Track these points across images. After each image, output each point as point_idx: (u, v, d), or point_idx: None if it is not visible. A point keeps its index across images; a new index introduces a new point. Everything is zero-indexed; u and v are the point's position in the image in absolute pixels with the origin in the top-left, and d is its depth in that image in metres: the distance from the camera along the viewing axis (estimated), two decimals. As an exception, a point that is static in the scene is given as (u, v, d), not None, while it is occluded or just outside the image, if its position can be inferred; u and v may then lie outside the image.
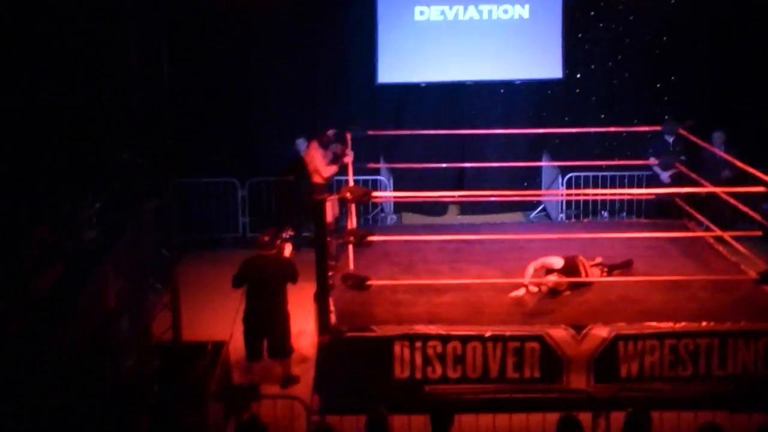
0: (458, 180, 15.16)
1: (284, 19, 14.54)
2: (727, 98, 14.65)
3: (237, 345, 10.32)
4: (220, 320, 11.01)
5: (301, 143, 13.46)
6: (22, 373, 7.52)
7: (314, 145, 12.51)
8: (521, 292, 9.71)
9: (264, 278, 9.77)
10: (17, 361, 7.72)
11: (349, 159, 11.78)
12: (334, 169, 12.44)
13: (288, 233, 10.33)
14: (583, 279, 9.72)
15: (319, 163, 12.30)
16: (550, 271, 9.72)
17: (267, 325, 9.77)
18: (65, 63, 13.31)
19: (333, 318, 9.25)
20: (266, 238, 9.90)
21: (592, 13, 14.85)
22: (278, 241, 9.99)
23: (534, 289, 9.74)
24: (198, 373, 8.24)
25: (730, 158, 11.95)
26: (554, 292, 9.62)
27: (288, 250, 10.13)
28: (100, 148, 12.72)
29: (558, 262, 9.72)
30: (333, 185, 12.54)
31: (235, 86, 14.63)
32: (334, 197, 10.21)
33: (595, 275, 9.87)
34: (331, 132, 12.46)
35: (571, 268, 9.73)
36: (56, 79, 13.28)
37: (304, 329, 10.48)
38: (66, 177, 12.04)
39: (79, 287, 9.05)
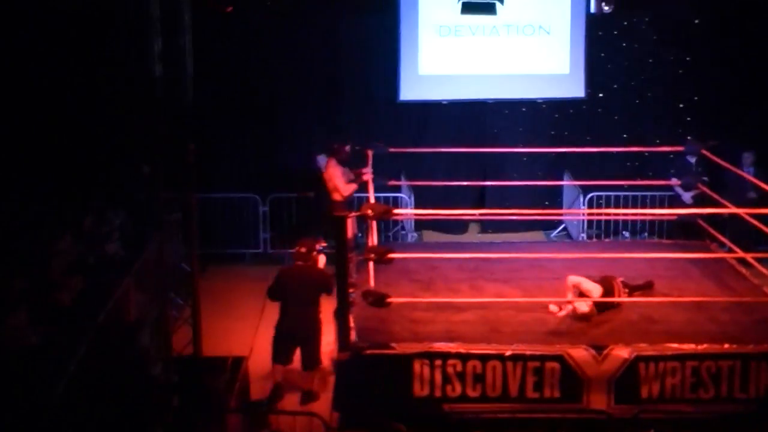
0: (479, 198, 15.15)
1: (307, 36, 14.59)
2: (752, 119, 14.57)
3: (257, 360, 10.35)
4: (240, 335, 11.05)
5: (321, 159, 13.47)
6: (43, 384, 7.55)
7: (332, 162, 12.35)
8: (554, 309, 9.67)
9: (300, 288, 9.84)
10: (38, 373, 7.76)
11: (368, 177, 11.77)
12: (353, 187, 12.31)
13: (321, 244, 10.37)
14: (609, 299, 9.66)
15: (339, 181, 12.19)
16: (581, 294, 9.66)
17: (301, 335, 9.82)
18: (89, 75, 13.44)
19: (353, 335, 9.24)
20: (303, 249, 9.99)
21: (615, 32, 14.85)
22: (313, 253, 10.07)
23: (563, 311, 9.68)
24: (217, 387, 8.24)
25: (754, 180, 11.90)
26: (585, 317, 9.56)
27: (322, 261, 10.19)
28: (123, 162, 12.82)
29: (596, 290, 9.62)
30: (354, 202, 12.53)
31: (257, 102, 14.68)
32: (354, 214, 10.23)
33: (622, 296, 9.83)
34: (347, 147, 12.37)
35: (607, 291, 9.67)
36: (79, 92, 13.41)
37: (323, 345, 10.48)
38: (89, 190, 12.13)
39: (101, 300, 9.09)
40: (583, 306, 9.54)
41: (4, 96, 13.03)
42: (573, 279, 9.76)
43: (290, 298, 9.88)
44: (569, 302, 9.61)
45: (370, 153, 12.19)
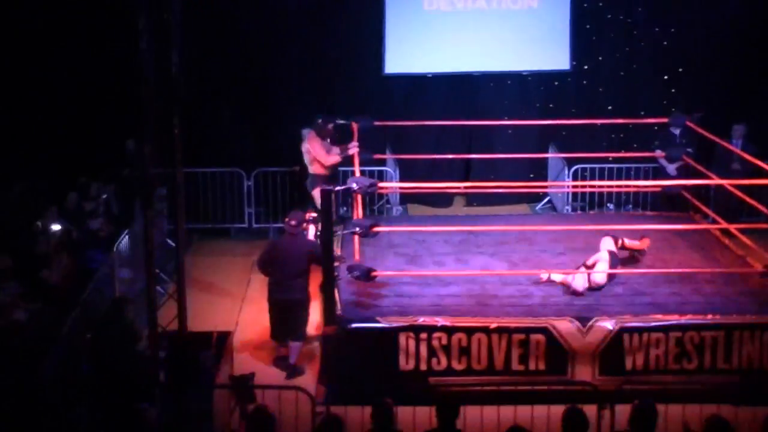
0: (465, 171, 15.14)
1: (291, 9, 14.51)
2: (741, 91, 14.58)
3: (242, 334, 10.37)
4: (226, 310, 11.05)
5: (306, 133, 13.43)
6: (30, 360, 7.57)
7: (312, 134, 11.87)
8: (569, 278, 9.73)
9: (291, 260, 9.74)
10: (26, 349, 7.78)
11: (354, 151, 11.67)
12: (336, 158, 11.74)
13: (310, 214, 10.33)
14: (608, 271, 9.70)
15: (319, 153, 11.64)
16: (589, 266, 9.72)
17: (291, 306, 9.75)
18: (74, 52, 13.39)
19: (338, 309, 9.27)
20: (293, 222, 9.87)
21: (601, 3, 14.80)
22: (303, 224, 10.04)
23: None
24: (204, 362, 8.25)
25: (739, 151, 11.93)
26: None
27: (311, 231, 10.16)
28: (107, 137, 12.78)
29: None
30: (339, 175, 12.47)
31: (242, 76, 14.60)
32: (339, 188, 10.18)
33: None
34: (330, 125, 11.95)
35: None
36: (63, 68, 13.36)
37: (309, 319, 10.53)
38: (72, 166, 12.11)
39: (87, 276, 9.11)
40: (601, 277, 9.62)
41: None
42: (608, 242, 9.90)
43: (281, 269, 9.75)
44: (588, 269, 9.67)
45: (355, 126, 12.15)
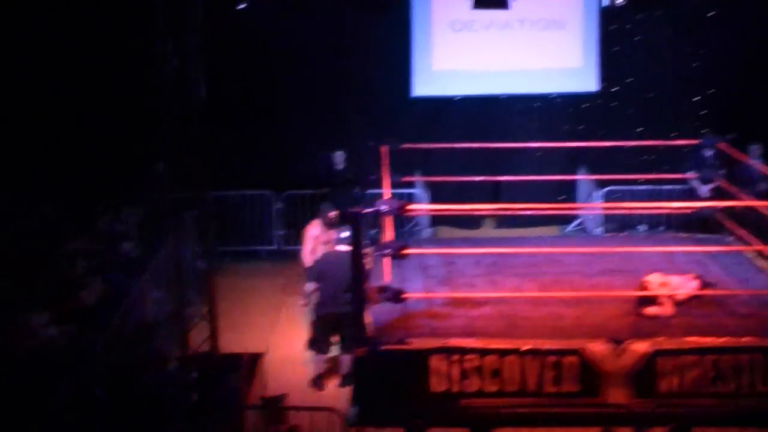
0: (494, 194, 15.09)
1: (319, 31, 14.57)
2: (761, 111, 14.49)
3: (273, 356, 10.34)
4: (257, 332, 11.04)
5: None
6: (64, 381, 7.56)
7: (314, 223, 11.70)
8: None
9: (341, 272, 9.81)
10: (60, 370, 7.77)
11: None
12: (309, 259, 11.31)
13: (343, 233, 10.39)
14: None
15: (303, 248, 11.47)
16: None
17: (342, 319, 9.83)
18: (103, 76, 13.48)
19: (369, 331, 9.21)
20: (331, 215, 10.46)
21: (629, 25, 14.77)
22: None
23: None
24: (235, 384, 8.23)
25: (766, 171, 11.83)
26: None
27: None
28: (137, 161, 12.84)
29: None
30: (368, 199, 12.41)
31: (271, 99, 14.66)
32: (367, 211, 10.14)
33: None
34: (332, 214, 11.62)
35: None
36: (92, 93, 13.45)
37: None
38: (103, 190, 12.16)
39: (118, 299, 9.12)
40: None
41: (19, 98, 13.11)
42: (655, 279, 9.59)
43: (332, 283, 9.95)
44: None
45: (383, 150, 12.13)
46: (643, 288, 9.43)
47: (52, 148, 13.30)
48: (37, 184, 12.16)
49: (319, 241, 11.50)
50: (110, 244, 10.81)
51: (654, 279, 9.46)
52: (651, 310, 9.39)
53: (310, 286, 10.14)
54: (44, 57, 13.49)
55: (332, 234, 11.22)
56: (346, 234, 10.38)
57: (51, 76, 13.45)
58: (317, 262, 10.36)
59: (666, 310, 9.27)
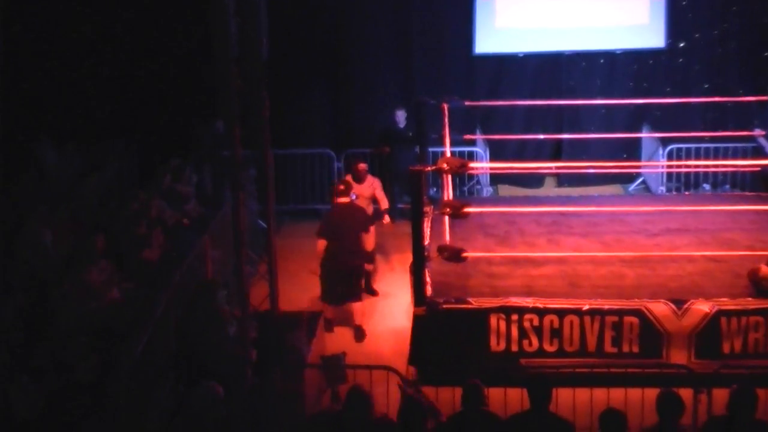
0: (555, 152, 14.94)
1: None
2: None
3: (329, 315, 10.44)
4: (315, 291, 11.09)
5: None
6: (123, 340, 7.69)
7: (347, 178, 11.70)
8: None
9: (345, 224, 10.30)
10: (120, 328, 7.91)
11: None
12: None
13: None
14: None
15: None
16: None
17: (349, 270, 10.25)
18: (165, 36, 13.56)
19: (429, 290, 9.23)
20: (342, 187, 10.57)
21: (696, -20, 14.45)
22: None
23: None
24: (295, 342, 8.29)
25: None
26: None
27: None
28: (199, 120, 12.92)
29: None
30: (429, 156, 12.40)
31: (332, 58, 14.63)
32: (429, 169, 10.14)
33: None
34: (362, 165, 11.68)
35: None
36: (155, 52, 13.54)
37: (396, 298, 10.73)
38: (167, 149, 12.27)
39: (180, 257, 9.21)
40: None
41: (82, 60, 13.26)
42: None
43: (343, 236, 10.24)
44: None
45: (445, 107, 12.07)
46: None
47: (117, 109, 13.44)
48: (103, 144, 12.30)
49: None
50: (173, 202, 10.91)
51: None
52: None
53: (322, 243, 10.36)
54: (108, 19, 13.59)
55: (362, 188, 11.44)
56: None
57: (116, 39, 13.56)
58: (328, 216, 10.64)
59: None
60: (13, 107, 10.92)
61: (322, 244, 10.36)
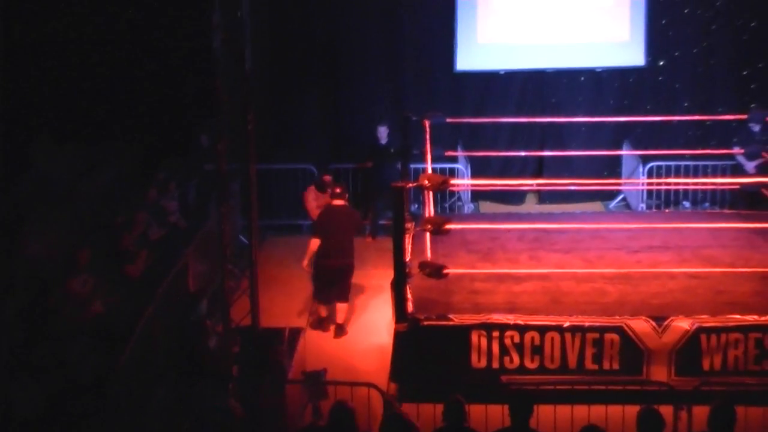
0: (537, 169, 15.02)
1: (366, 5, 14.53)
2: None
3: (314, 332, 10.42)
4: (298, 306, 11.10)
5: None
6: (105, 353, 7.67)
7: (310, 189, 12.37)
8: None
9: (343, 226, 10.70)
10: (102, 341, 7.89)
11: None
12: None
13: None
14: None
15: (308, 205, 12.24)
16: None
17: (340, 269, 10.63)
18: (150, 49, 13.53)
19: (410, 306, 9.24)
20: (338, 190, 10.94)
21: (676, -1, 14.57)
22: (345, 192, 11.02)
23: None
24: (276, 358, 8.29)
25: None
26: None
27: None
28: (183, 134, 12.90)
29: None
30: (411, 173, 12.45)
31: (316, 74, 14.67)
32: (411, 185, 10.21)
33: None
34: (327, 177, 12.38)
35: None
36: (139, 65, 13.50)
37: (378, 314, 10.89)
38: (153, 162, 12.24)
39: (163, 271, 9.20)
40: None
41: (82, 60, 13.21)
42: None
43: (335, 236, 10.60)
44: None
45: (427, 123, 12.11)
46: None
47: (103, 123, 13.39)
48: (92, 157, 12.24)
49: (313, 204, 12.09)
50: (157, 216, 10.90)
51: None
52: None
53: (315, 242, 10.64)
54: (97, 33, 13.55)
55: (325, 198, 11.81)
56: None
57: (103, 52, 13.52)
58: (319, 218, 10.97)
59: None
60: (12, 107, 10.91)
61: (315, 242, 10.65)
